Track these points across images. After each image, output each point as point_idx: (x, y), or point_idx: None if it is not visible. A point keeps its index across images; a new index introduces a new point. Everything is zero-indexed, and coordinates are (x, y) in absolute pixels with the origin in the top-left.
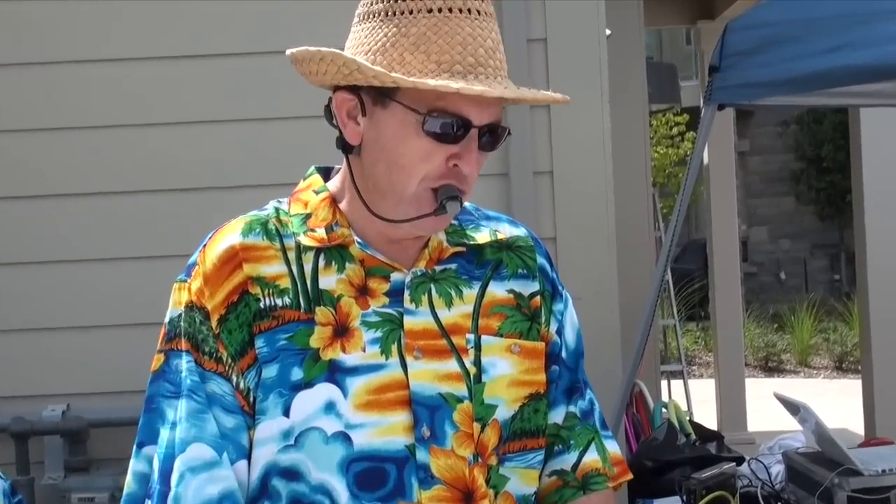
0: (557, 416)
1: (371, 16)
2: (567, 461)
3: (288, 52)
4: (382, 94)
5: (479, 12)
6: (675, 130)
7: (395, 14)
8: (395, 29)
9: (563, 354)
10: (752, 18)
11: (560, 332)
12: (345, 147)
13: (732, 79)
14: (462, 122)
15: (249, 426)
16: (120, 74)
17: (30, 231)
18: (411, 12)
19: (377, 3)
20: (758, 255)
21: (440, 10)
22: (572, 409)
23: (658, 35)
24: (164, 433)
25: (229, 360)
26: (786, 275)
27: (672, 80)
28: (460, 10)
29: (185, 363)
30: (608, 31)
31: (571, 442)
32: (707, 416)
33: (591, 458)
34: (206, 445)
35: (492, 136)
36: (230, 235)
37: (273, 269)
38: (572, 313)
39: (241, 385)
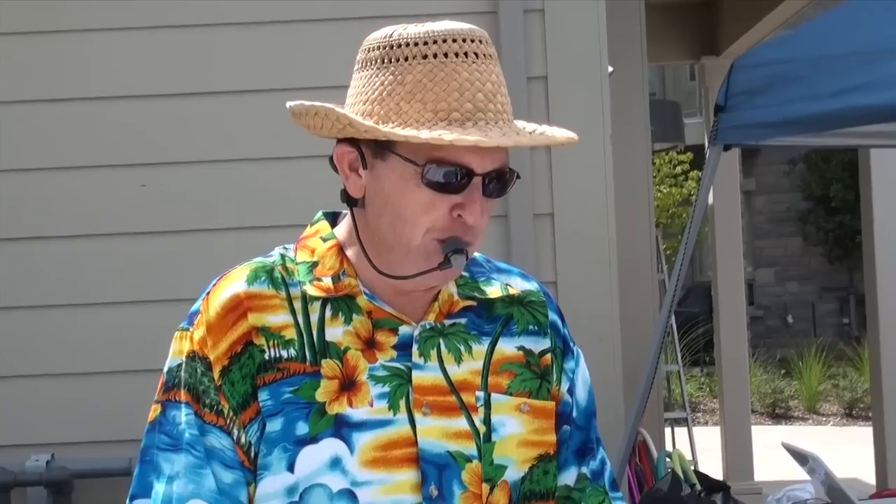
0: (569, 478)
1: (368, 63)
2: None
3: (287, 105)
4: (381, 147)
5: (476, 55)
6: (678, 169)
7: (391, 61)
8: (391, 77)
9: (574, 414)
10: (758, 57)
11: (571, 390)
12: (348, 200)
13: (738, 119)
14: (463, 170)
15: (249, 482)
16: (117, 115)
17: (14, 275)
18: (406, 59)
19: (374, 50)
20: (764, 297)
21: (435, 56)
22: (584, 470)
23: (661, 71)
24: (160, 487)
25: (231, 414)
26: (793, 318)
27: (676, 119)
28: (456, 55)
29: (184, 415)
30: (610, 69)
31: None
32: (713, 466)
33: None
34: (204, 502)
35: (499, 182)
36: (235, 283)
37: (278, 318)
38: (584, 370)
39: (243, 439)
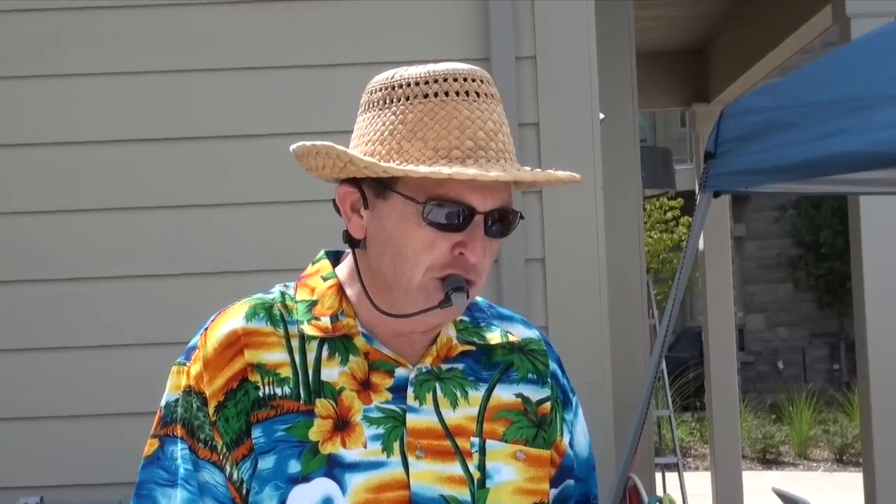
0: None
1: (371, 105)
2: None
3: (291, 148)
4: (382, 186)
5: (478, 94)
6: (669, 215)
7: (392, 102)
8: (392, 117)
9: (575, 466)
10: (748, 104)
11: (571, 442)
12: (350, 241)
13: (728, 165)
14: (465, 209)
15: None
16: (112, 155)
17: (8, 317)
18: (408, 98)
19: (377, 91)
20: (755, 343)
21: (436, 95)
22: None
23: (652, 117)
24: None
25: (224, 450)
26: (784, 364)
27: (666, 165)
28: (457, 94)
29: (179, 450)
30: (602, 115)
31: None
32: None
33: None
34: None
35: (501, 221)
36: (233, 319)
37: (275, 356)
38: (582, 421)
39: (235, 476)
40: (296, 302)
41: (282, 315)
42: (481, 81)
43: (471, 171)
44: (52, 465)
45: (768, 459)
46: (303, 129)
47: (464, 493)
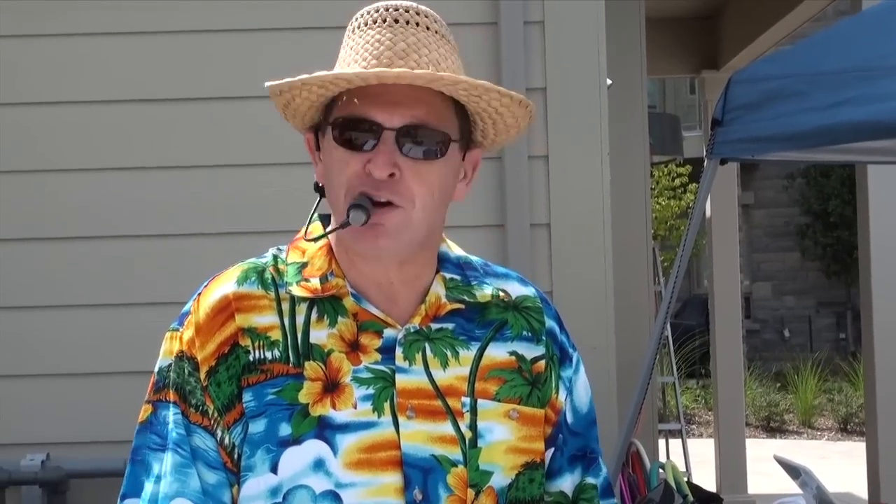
0: (564, 484)
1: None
2: None
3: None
4: (325, 123)
5: (395, 21)
6: (677, 182)
7: (347, 35)
8: (342, 51)
9: (572, 420)
10: (756, 72)
11: (569, 397)
12: (318, 189)
13: (735, 133)
14: (370, 124)
15: (232, 483)
16: (110, 118)
17: (7, 275)
18: (353, 31)
19: (351, 23)
20: (761, 311)
21: (360, 27)
22: (591, 480)
23: (661, 84)
24: (149, 486)
25: (215, 414)
26: (790, 332)
27: (674, 132)
28: (374, 21)
29: (172, 415)
30: (609, 81)
31: None
32: (706, 478)
33: None
34: (188, 501)
35: (418, 139)
36: (225, 284)
37: (265, 319)
38: (584, 377)
39: (227, 440)
40: (287, 265)
41: (273, 278)
42: (406, 11)
43: (350, 71)
44: (57, 422)
45: (772, 427)
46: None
47: (455, 452)
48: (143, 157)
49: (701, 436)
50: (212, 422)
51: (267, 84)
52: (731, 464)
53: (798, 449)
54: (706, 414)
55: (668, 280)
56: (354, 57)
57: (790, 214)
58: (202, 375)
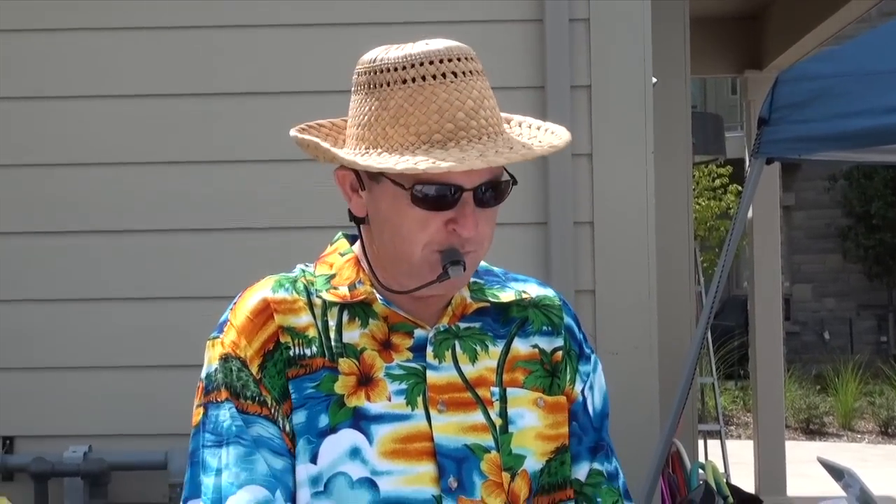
0: (579, 472)
1: (359, 87)
2: None
3: (291, 133)
4: (381, 177)
5: (454, 74)
6: (717, 182)
7: (375, 87)
8: (377, 102)
9: (591, 413)
10: (804, 70)
11: (587, 391)
12: (354, 219)
13: (782, 132)
14: (451, 188)
15: (295, 469)
16: (138, 111)
17: (56, 268)
18: (388, 84)
19: (362, 74)
20: (801, 313)
21: (414, 80)
22: (598, 466)
23: (702, 84)
24: (209, 480)
25: (274, 403)
26: (830, 335)
27: (717, 131)
28: (433, 77)
29: (226, 412)
30: (654, 79)
31: (598, 500)
32: (744, 479)
33: None
34: (259, 486)
35: (493, 191)
36: (261, 291)
37: (301, 320)
38: (601, 377)
39: (287, 427)
40: (315, 276)
41: (305, 286)
42: (458, 60)
43: (444, 165)
44: (100, 415)
45: (812, 430)
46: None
47: (487, 439)
48: (176, 151)
49: (739, 437)
50: (272, 410)
51: (378, 166)
52: (771, 465)
53: (838, 451)
54: (744, 415)
55: (707, 281)
56: (422, 118)
57: (831, 216)
58: (254, 370)
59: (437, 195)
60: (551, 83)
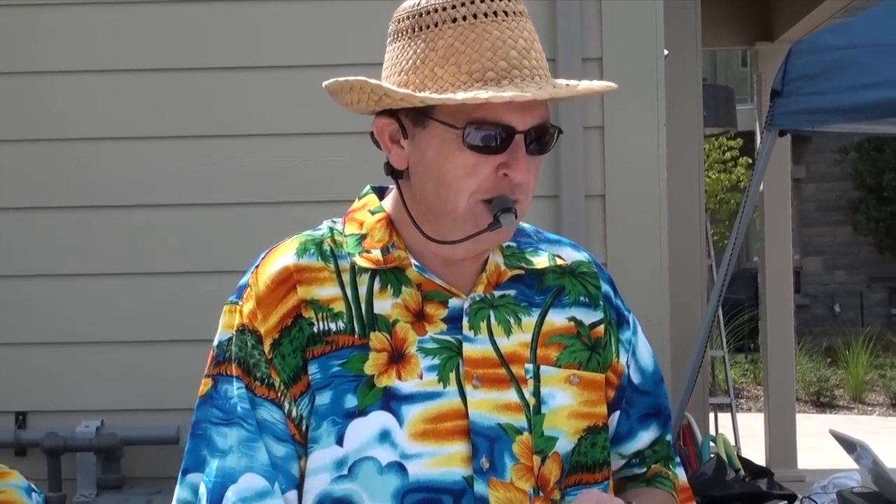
0: (638, 443)
1: (400, 34)
2: (638, 470)
3: (323, 84)
4: (420, 114)
5: (506, 13)
6: (727, 155)
7: (421, 29)
8: (423, 45)
9: (638, 380)
10: (817, 42)
11: (632, 359)
12: (393, 172)
13: (795, 104)
14: (504, 129)
15: (300, 455)
16: (149, 86)
17: (68, 243)
18: (437, 25)
19: (404, 20)
20: (811, 286)
21: (465, 19)
22: (668, 437)
23: (712, 56)
24: (214, 462)
25: (282, 387)
26: (840, 307)
27: (728, 104)
28: (485, 15)
29: (235, 389)
30: (665, 52)
31: (647, 459)
32: (755, 452)
33: (660, 467)
34: (258, 475)
35: (540, 138)
36: (284, 256)
37: (327, 291)
38: (643, 338)
39: (294, 413)
40: (345, 236)
41: (332, 250)
42: (508, 0)
43: (507, 94)
44: (112, 390)
45: (822, 402)
46: (351, 61)
47: (520, 419)
48: (189, 125)
49: (749, 410)
50: (278, 394)
51: (438, 97)
52: (781, 438)
53: (849, 424)
54: (755, 388)
55: (717, 254)
56: (474, 56)
57: (842, 189)
58: (266, 348)
59: (489, 137)
60: (563, 56)
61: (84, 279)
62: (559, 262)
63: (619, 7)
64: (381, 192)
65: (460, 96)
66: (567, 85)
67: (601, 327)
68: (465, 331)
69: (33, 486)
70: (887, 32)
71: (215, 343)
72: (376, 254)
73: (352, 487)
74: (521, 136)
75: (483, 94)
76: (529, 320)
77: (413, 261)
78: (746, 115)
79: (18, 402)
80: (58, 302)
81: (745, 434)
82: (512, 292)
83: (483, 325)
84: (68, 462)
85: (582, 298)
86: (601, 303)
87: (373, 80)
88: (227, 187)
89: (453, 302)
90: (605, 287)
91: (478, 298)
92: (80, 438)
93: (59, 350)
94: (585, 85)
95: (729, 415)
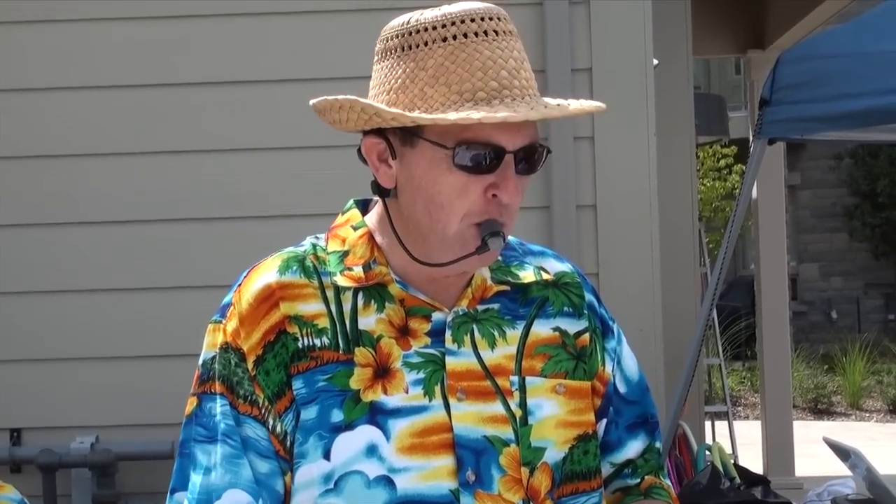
0: (628, 452)
1: (388, 53)
2: (632, 480)
3: (310, 102)
4: (409, 134)
5: (496, 33)
6: (722, 163)
7: (410, 48)
8: (412, 64)
9: (624, 389)
10: (805, 50)
11: (618, 368)
12: (380, 191)
13: (784, 113)
14: (494, 149)
15: (284, 471)
16: (133, 102)
17: (61, 260)
18: (426, 44)
19: (392, 39)
20: (808, 293)
21: (455, 38)
22: (658, 445)
23: (706, 64)
24: (196, 478)
25: (266, 403)
26: (837, 314)
27: (720, 112)
28: (475, 35)
29: (219, 407)
30: (655, 61)
31: (639, 469)
32: (752, 460)
33: (654, 479)
34: (242, 491)
35: (529, 158)
36: (266, 274)
37: (311, 307)
38: (627, 348)
39: (278, 428)
40: (327, 253)
41: (315, 267)
42: (498, 19)
43: (500, 115)
44: (106, 406)
45: (819, 409)
46: (339, 75)
47: (507, 431)
48: (187, 140)
49: (747, 418)
50: (262, 411)
51: (430, 117)
52: (779, 446)
53: (846, 431)
54: (752, 396)
55: (713, 262)
56: (465, 76)
57: (837, 195)
58: (249, 365)
59: (479, 157)
60: (552, 67)
61: (77, 295)
62: (545, 276)
63: (608, 17)
64: (364, 206)
65: (452, 116)
66: (558, 105)
67: (586, 336)
68: (448, 344)
69: (26, 501)
70: (875, 41)
71: (200, 362)
72: (358, 271)
73: (339, 502)
74: (511, 157)
75: (475, 115)
76: (514, 333)
77: (395, 277)
78: (740, 122)
79: (13, 418)
80: (51, 318)
81: (743, 442)
82: (496, 306)
83: (466, 338)
84: (63, 478)
85: (566, 308)
86: (585, 312)
87: (363, 100)
88: (217, 202)
89: (436, 316)
90: (589, 297)
91: (461, 312)
92: (74, 454)
93: (53, 366)
94: (576, 106)
95: (726, 423)
